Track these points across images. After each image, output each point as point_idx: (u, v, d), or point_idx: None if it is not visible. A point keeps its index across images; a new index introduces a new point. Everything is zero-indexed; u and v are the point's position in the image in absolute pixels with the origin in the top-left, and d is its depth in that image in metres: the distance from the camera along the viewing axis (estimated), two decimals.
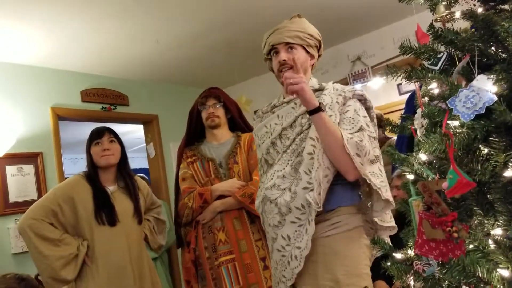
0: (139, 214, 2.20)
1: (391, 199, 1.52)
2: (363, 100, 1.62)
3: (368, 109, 1.62)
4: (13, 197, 3.17)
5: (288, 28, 1.64)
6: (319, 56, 1.74)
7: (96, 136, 2.17)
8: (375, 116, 1.63)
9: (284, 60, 1.62)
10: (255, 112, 1.85)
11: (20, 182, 3.24)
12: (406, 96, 3.19)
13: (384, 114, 4.14)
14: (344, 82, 4.33)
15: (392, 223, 1.63)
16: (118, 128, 2.74)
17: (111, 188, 2.19)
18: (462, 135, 1.23)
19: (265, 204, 1.61)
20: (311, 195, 1.47)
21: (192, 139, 2.48)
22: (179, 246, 2.43)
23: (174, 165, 4.50)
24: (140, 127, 4.82)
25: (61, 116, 3.65)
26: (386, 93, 4.16)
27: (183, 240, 2.37)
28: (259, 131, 1.74)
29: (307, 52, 1.67)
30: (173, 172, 4.48)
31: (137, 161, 8.74)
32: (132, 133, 6.31)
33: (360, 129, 1.50)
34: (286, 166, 1.59)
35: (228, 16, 3.20)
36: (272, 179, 1.61)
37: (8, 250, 3.00)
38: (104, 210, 2.10)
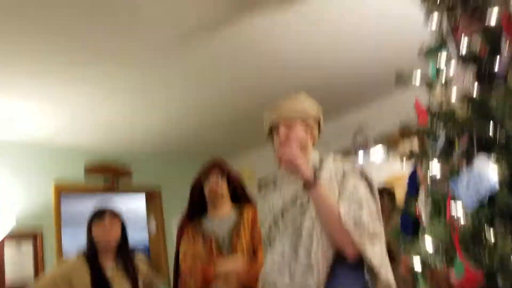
0: None
1: (391, 281, 1.43)
2: (363, 175, 1.57)
3: (369, 183, 1.57)
4: (9, 279, 3.07)
5: (287, 107, 1.66)
6: (319, 131, 1.74)
7: (97, 216, 2.17)
8: (376, 190, 1.57)
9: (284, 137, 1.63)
10: (259, 182, 1.83)
11: (17, 263, 3.16)
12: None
13: (388, 184, 4.10)
14: (347, 151, 4.32)
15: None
16: (120, 205, 2.70)
17: (110, 268, 2.15)
18: (466, 223, 1.19)
19: None
20: (311, 283, 1.39)
21: (193, 214, 2.42)
22: None
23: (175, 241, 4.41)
24: (141, 203, 4.76)
25: (64, 191, 3.64)
26: (389, 163, 4.13)
27: None
28: (262, 208, 1.70)
29: (307, 128, 1.67)
30: (174, 248, 4.37)
31: (138, 234, 8.57)
32: (133, 211, 6.22)
33: (360, 205, 1.45)
34: (285, 245, 1.52)
35: (233, 89, 3.28)
36: (271, 260, 1.55)
37: None
38: None
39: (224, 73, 3.00)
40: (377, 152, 4.03)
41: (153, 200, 4.43)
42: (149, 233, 4.38)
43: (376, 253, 1.42)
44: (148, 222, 4.44)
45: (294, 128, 1.64)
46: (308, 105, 1.68)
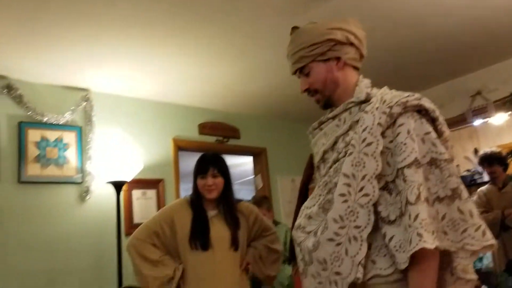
0: (235, 241, 2.19)
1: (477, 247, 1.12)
2: (423, 111, 1.23)
3: (433, 121, 1.24)
4: (137, 219, 3.51)
5: (291, 52, 1.41)
6: (351, 44, 1.37)
7: (201, 171, 2.24)
8: (445, 129, 1.26)
9: (305, 90, 1.42)
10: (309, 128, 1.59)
11: (143, 205, 3.59)
12: None
13: (508, 153, 3.80)
14: (463, 118, 4.09)
15: (474, 275, 1.22)
16: (228, 160, 2.88)
17: (212, 213, 2.25)
18: None
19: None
20: (347, 266, 1.16)
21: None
22: (290, 262, 2.29)
23: (280, 197, 4.62)
24: (249, 160, 5.05)
25: (180, 147, 3.99)
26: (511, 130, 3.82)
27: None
28: (313, 150, 1.47)
29: (326, 60, 1.36)
30: (279, 204, 4.59)
31: (243, 193, 9.03)
32: (240, 166, 6.60)
33: (414, 162, 1.14)
34: (315, 204, 1.32)
35: None
36: (300, 216, 1.36)
37: (131, 266, 3.31)
38: (199, 235, 2.15)
39: None
40: (496, 117, 3.75)
41: (259, 160, 4.65)
42: (256, 189, 4.62)
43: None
44: (255, 180, 4.68)
45: (311, 72, 1.38)
46: (309, 38, 1.36)
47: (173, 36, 2.82)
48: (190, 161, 5.49)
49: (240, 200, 2.39)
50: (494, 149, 3.70)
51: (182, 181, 4.00)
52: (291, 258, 2.21)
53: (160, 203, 3.67)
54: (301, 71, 1.40)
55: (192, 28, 2.74)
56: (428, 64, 3.73)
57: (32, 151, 3.10)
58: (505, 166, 3.66)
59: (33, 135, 3.14)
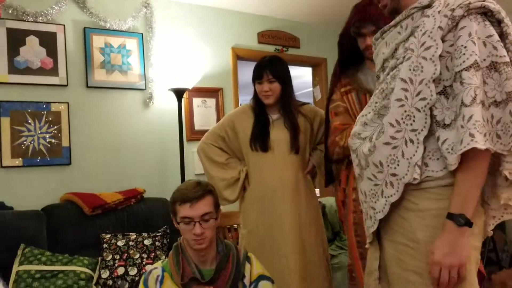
0: (295, 144, 2.21)
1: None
2: (488, 13, 1.17)
3: (499, 23, 1.17)
4: (197, 126, 3.63)
5: None
6: None
7: (257, 76, 2.23)
8: (511, 31, 1.18)
9: None
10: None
11: (203, 113, 3.68)
12: None
13: None
14: None
15: None
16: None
17: (274, 116, 2.27)
18: None
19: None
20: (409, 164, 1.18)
21: (347, 64, 2.09)
22: (328, 183, 2.23)
23: None
24: (307, 72, 4.93)
25: (239, 56, 3.95)
26: None
27: (334, 177, 2.16)
28: (375, 62, 1.45)
29: None
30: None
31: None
32: (299, 78, 6.49)
33: (473, 65, 1.11)
34: (370, 111, 1.33)
35: None
36: (356, 124, 1.39)
37: (192, 170, 3.49)
38: (258, 137, 2.21)
39: None
40: None
41: (319, 71, 4.54)
42: (314, 99, 4.58)
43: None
44: (313, 91, 4.61)
45: None
46: None
47: None
48: (249, 72, 5.49)
49: (305, 103, 2.38)
50: None
51: (241, 93, 4.02)
52: (328, 180, 2.20)
53: (219, 112, 3.74)
54: None
55: None
56: None
57: (97, 57, 3.19)
58: None
59: (98, 41, 3.21)
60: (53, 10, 3.01)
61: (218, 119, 3.73)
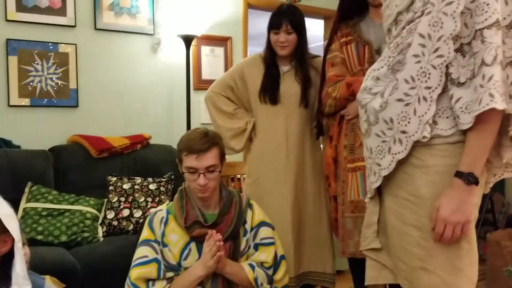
0: (305, 98, 2.19)
1: None
2: None
3: None
4: (205, 75, 3.59)
5: None
6: None
7: (274, 25, 2.16)
8: None
9: None
10: None
11: (211, 62, 3.63)
12: None
13: None
14: None
15: None
16: None
17: (285, 68, 2.23)
18: None
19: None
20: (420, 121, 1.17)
21: (349, 12, 2.01)
22: (318, 136, 2.23)
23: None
24: (319, 25, 4.81)
25: (250, 4, 3.85)
26: None
27: (325, 131, 2.14)
28: (384, 14, 1.39)
29: None
30: None
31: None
32: (310, 30, 6.34)
33: (495, 23, 1.08)
34: (383, 66, 1.29)
35: None
36: (366, 79, 1.34)
37: (199, 119, 3.49)
38: (268, 89, 2.19)
39: None
40: None
41: (331, 23, 4.42)
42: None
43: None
44: (325, 42, 4.51)
45: None
46: None
47: None
48: (259, 21, 5.36)
49: (316, 56, 2.32)
50: None
51: (250, 43, 3.95)
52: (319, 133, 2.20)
53: (227, 61, 3.69)
54: None
55: None
56: None
57: None
58: None
59: None
60: None
61: (226, 69, 3.68)
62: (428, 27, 1.15)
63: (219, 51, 3.68)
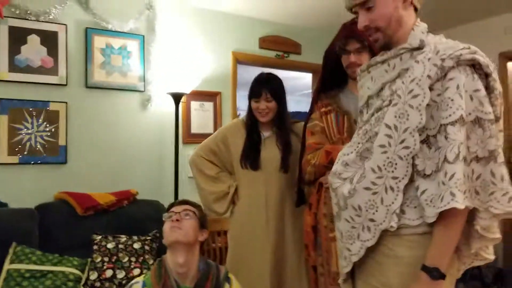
0: (285, 163, 2.23)
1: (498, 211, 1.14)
2: (477, 65, 1.17)
3: (486, 76, 1.18)
4: (194, 129, 3.67)
5: None
6: None
7: (254, 94, 2.24)
8: (497, 86, 1.19)
9: (365, 26, 1.29)
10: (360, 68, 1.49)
11: (201, 116, 3.71)
12: None
13: None
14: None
15: (498, 234, 1.23)
16: (288, 73, 2.76)
17: (266, 134, 2.30)
18: None
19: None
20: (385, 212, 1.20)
21: (329, 84, 2.08)
22: (299, 204, 2.21)
23: None
24: (308, 74, 4.96)
25: (240, 60, 3.98)
26: None
27: (306, 199, 2.15)
28: (359, 93, 1.44)
29: None
30: None
31: (303, 105, 9.08)
32: (301, 79, 6.51)
33: (459, 120, 1.11)
34: (353, 151, 1.31)
35: None
36: (337, 162, 1.36)
37: (186, 173, 3.53)
38: (249, 156, 2.25)
39: None
40: None
41: (317, 77, 4.55)
42: None
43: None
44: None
45: (376, 7, 1.26)
46: None
47: None
48: (249, 71, 5.52)
49: (297, 121, 2.39)
50: None
51: (242, 89, 4.04)
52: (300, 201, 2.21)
53: (217, 116, 3.78)
54: (363, 4, 1.28)
55: None
56: None
57: (98, 57, 3.23)
58: None
59: (99, 41, 3.24)
60: (56, 9, 3.04)
61: (215, 123, 3.77)
62: (394, 118, 1.18)
63: (209, 105, 3.77)
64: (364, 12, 1.29)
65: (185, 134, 3.61)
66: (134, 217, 2.96)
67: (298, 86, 6.94)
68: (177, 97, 3.30)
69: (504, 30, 4.02)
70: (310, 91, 4.80)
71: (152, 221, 2.93)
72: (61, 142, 3.06)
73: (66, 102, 3.09)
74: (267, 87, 2.21)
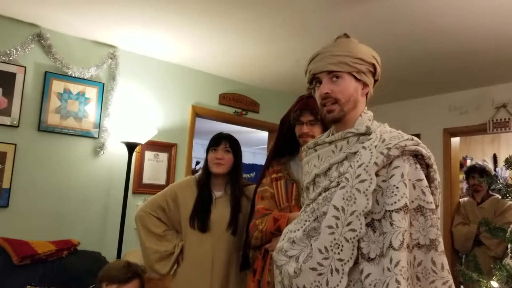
0: (234, 224, 2.23)
1: None
2: (419, 156, 1.26)
3: (427, 167, 1.26)
4: (146, 179, 3.65)
5: (331, 53, 1.37)
6: (375, 81, 1.44)
7: (214, 143, 2.28)
8: (437, 177, 1.28)
9: (326, 93, 1.35)
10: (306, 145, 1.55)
11: (154, 167, 3.71)
12: None
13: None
14: (483, 127, 4.03)
15: None
16: (247, 128, 2.79)
17: (218, 193, 2.29)
18: None
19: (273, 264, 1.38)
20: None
21: (282, 150, 2.16)
22: (243, 268, 2.20)
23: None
24: (265, 137, 5.09)
25: (199, 114, 4.06)
26: None
27: (250, 264, 2.12)
28: (304, 168, 1.49)
29: (358, 79, 1.37)
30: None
31: (260, 157, 9.22)
32: (258, 133, 6.65)
33: (403, 207, 1.16)
34: (299, 229, 1.32)
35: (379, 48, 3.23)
36: (283, 239, 1.37)
37: (133, 224, 3.46)
38: (199, 216, 2.21)
39: (370, 31, 2.94)
40: None
41: (273, 136, 4.69)
42: None
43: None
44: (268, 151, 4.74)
45: (341, 81, 1.35)
46: (358, 51, 1.36)
47: (209, 12, 2.82)
48: (206, 122, 5.57)
49: (249, 184, 2.40)
50: (485, 163, 3.75)
51: (199, 138, 4.06)
52: (244, 265, 2.20)
53: (170, 167, 3.78)
54: (331, 74, 1.36)
55: (230, 8, 2.73)
56: (458, 70, 3.66)
57: (54, 101, 3.21)
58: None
59: (57, 86, 3.23)
60: (17, 51, 3.04)
61: (168, 175, 3.76)
62: (342, 200, 1.21)
63: (163, 156, 3.78)
64: (329, 81, 1.37)
65: (136, 183, 3.58)
66: (73, 269, 2.86)
67: (255, 140, 7.08)
68: (131, 146, 3.29)
69: (448, 108, 4.35)
70: (266, 146, 4.91)
71: (91, 275, 2.82)
72: (5, 184, 2.96)
73: (15, 144, 3.02)
74: (227, 138, 2.28)
